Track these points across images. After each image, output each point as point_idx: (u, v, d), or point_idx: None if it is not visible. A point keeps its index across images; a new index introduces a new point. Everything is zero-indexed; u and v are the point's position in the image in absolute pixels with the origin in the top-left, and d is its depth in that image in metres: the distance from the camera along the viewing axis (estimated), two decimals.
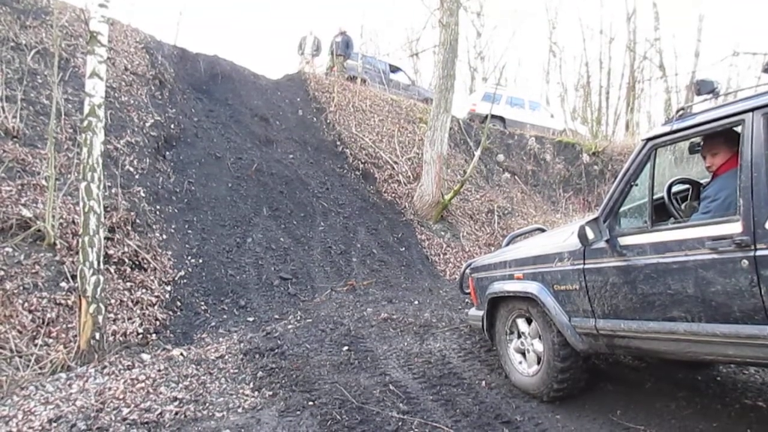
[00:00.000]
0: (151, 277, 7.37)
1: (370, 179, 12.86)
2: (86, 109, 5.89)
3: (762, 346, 2.95)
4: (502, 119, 18.32)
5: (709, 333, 3.16)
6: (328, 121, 14.10)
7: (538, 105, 20.56)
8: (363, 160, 13.23)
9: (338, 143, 13.56)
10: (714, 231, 3.12)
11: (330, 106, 14.55)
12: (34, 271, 6.34)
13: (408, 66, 25.83)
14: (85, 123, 5.88)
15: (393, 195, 12.56)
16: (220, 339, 6.46)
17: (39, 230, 6.66)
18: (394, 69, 20.17)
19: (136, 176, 8.92)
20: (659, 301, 3.42)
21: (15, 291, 6.03)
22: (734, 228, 3.00)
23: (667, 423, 3.95)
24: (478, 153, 13.43)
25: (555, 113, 21.41)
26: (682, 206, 4.26)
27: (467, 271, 5.55)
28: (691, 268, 3.20)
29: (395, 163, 13.50)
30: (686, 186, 4.55)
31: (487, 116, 14.87)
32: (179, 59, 13.36)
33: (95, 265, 5.71)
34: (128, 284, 7.05)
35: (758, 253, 2.87)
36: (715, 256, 3.07)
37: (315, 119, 14.12)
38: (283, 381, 4.95)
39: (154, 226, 8.31)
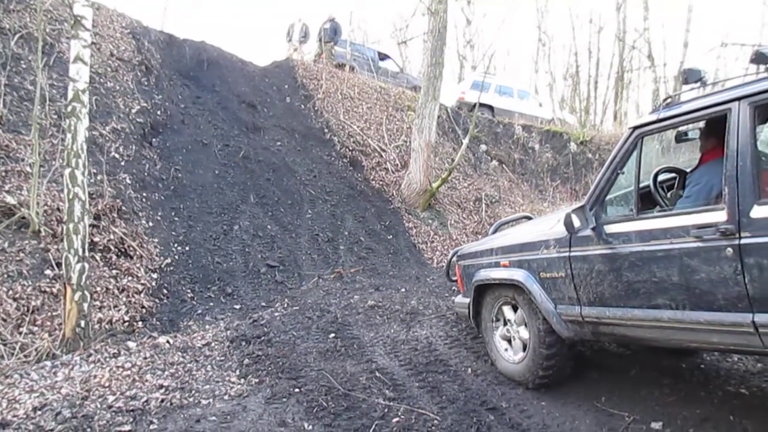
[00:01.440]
0: (137, 265, 7.32)
1: (358, 167, 12.84)
2: (70, 95, 5.81)
3: (745, 333, 2.97)
4: (490, 108, 18.30)
5: (693, 320, 3.18)
6: (315, 108, 14.03)
7: (526, 94, 20.57)
8: (351, 148, 13.20)
9: (326, 130, 13.51)
10: (699, 219, 3.14)
11: (318, 94, 14.47)
12: (18, 258, 6.28)
13: (396, 53, 25.77)
14: (69, 108, 5.80)
15: (381, 183, 12.54)
16: (207, 326, 6.45)
17: (23, 217, 6.59)
18: (383, 56, 20.10)
19: (122, 163, 8.85)
20: (644, 289, 3.44)
21: None
22: (719, 216, 3.02)
23: (651, 409, 3.99)
24: (466, 141, 13.43)
25: (543, 102, 21.43)
26: (668, 195, 4.28)
27: (454, 258, 5.57)
28: (676, 256, 3.21)
29: (383, 150, 13.47)
30: (672, 175, 4.57)
31: (475, 104, 14.85)
32: (166, 45, 13.22)
33: (80, 253, 5.66)
34: (114, 272, 7.00)
35: (743, 241, 2.89)
36: (700, 244, 3.09)
37: (303, 106, 14.04)
38: (270, 368, 4.95)
39: (140, 214, 8.26)
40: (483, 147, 15.82)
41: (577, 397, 4.30)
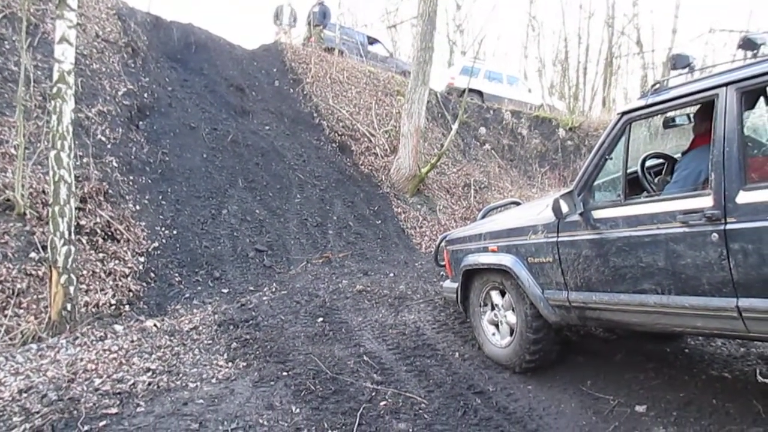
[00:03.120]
0: (124, 248, 7.28)
1: (347, 152, 12.79)
2: (55, 76, 5.74)
3: (729, 318, 3.01)
4: (480, 93, 18.26)
5: (678, 305, 3.22)
6: (304, 92, 13.94)
7: (516, 79, 20.55)
8: (340, 133, 13.14)
9: (315, 115, 13.43)
10: (685, 205, 3.16)
11: (307, 78, 14.37)
12: (3, 241, 6.22)
13: (386, 38, 25.63)
14: (55, 90, 5.74)
15: (370, 168, 12.51)
16: (195, 310, 6.44)
17: (8, 200, 6.52)
18: (372, 41, 19.96)
19: (109, 146, 8.76)
20: (630, 274, 3.46)
21: None
22: (705, 202, 3.04)
23: (636, 393, 4.04)
24: (455, 127, 13.41)
25: (533, 88, 21.45)
26: (656, 180, 4.30)
27: (442, 243, 5.58)
28: (662, 241, 3.24)
29: (372, 135, 13.42)
30: (660, 161, 4.59)
31: (464, 90, 14.83)
32: (152, 27, 13.05)
33: (66, 236, 5.62)
34: (101, 255, 6.96)
35: (728, 226, 2.91)
36: (686, 229, 3.11)
37: (291, 90, 13.95)
38: (258, 352, 4.95)
39: (127, 197, 8.19)
40: (476, 132, 15.80)
41: (562, 381, 4.35)
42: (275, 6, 17.50)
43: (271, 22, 17.78)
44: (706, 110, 3.53)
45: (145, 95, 10.57)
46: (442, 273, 7.08)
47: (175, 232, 8.22)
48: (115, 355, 4.84)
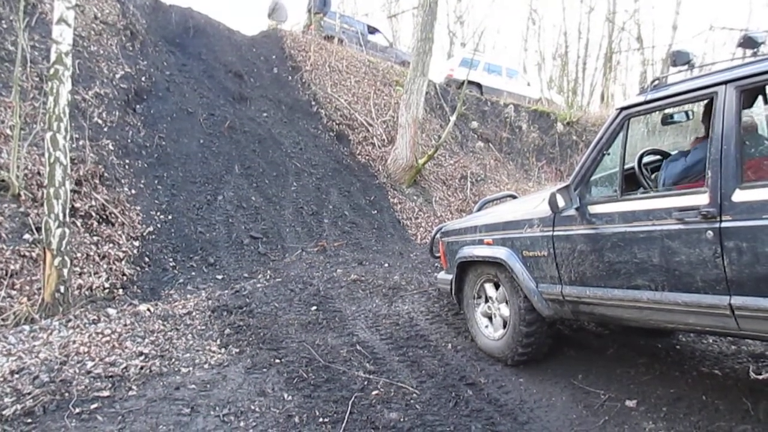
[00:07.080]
0: (119, 232, 7.26)
1: (345, 141, 12.76)
2: (53, 57, 5.71)
3: (721, 315, 3.02)
4: (478, 85, 18.27)
5: (671, 301, 3.23)
6: (303, 80, 13.89)
7: (515, 73, 20.53)
8: (338, 122, 13.11)
9: (313, 103, 13.39)
10: (681, 202, 3.16)
11: (306, 65, 14.31)
12: None
13: (386, 27, 25.55)
14: (52, 71, 5.70)
15: (367, 157, 12.49)
16: (188, 296, 6.43)
17: (3, 180, 6.49)
18: (372, 30, 19.90)
19: (105, 129, 8.72)
20: (625, 270, 3.47)
21: None
22: (701, 199, 3.04)
23: (626, 388, 4.06)
24: (453, 118, 13.38)
25: (531, 82, 21.42)
26: (652, 177, 4.31)
27: (438, 235, 5.59)
28: (657, 237, 3.25)
29: (370, 125, 13.39)
30: (657, 157, 4.59)
31: (463, 82, 14.80)
32: (152, 10, 12.98)
33: (61, 218, 5.60)
34: (95, 238, 6.93)
35: (723, 224, 2.92)
36: (681, 226, 3.12)
37: (290, 78, 13.89)
38: (251, 338, 4.96)
39: (122, 181, 8.16)
40: (474, 124, 15.78)
41: (554, 375, 4.37)
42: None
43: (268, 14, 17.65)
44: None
45: (143, 79, 10.52)
46: (436, 264, 7.09)
47: (170, 217, 8.20)
48: (107, 338, 4.83)
